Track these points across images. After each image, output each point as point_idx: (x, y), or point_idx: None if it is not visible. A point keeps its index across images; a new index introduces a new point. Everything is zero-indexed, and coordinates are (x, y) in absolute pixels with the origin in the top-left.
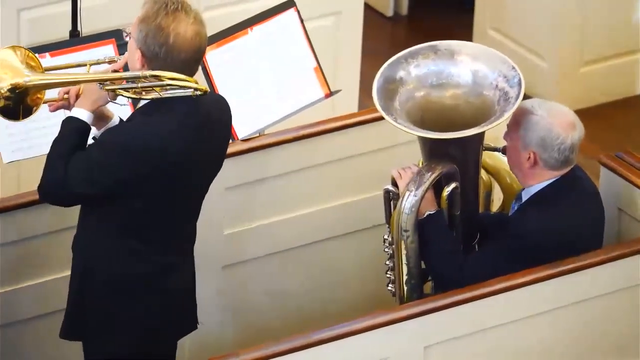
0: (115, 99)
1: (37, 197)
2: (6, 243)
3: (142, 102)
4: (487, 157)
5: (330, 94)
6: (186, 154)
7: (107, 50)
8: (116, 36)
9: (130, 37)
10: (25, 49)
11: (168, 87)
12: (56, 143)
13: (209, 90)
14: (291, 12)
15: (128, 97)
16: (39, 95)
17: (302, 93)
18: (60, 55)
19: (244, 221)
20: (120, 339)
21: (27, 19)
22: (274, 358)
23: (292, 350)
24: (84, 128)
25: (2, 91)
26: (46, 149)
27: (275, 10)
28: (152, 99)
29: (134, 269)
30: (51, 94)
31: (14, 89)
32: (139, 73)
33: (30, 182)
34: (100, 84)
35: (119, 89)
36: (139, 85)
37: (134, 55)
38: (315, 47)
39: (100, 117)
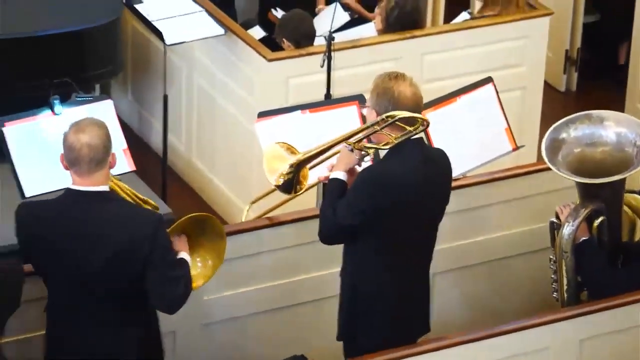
0: (363, 158)
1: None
2: (278, 249)
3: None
4: (632, 199)
5: (516, 148)
6: (418, 186)
7: (352, 109)
8: (359, 99)
9: (366, 108)
10: (283, 142)
11: (400, 131)
12: (325, 198)
13: (430, 121)
14: (489, 86)
15: (372, 148)
16: (302, 178)
17: (496, 146)
18: (316, 112)
19: (447, 240)
20: (378, 336)
21: (293, 84)
22: (467, 343)
23: (479, 339)
24: (342, 184)
25: (284, 172)
26: None
27: (477, 84)
28: (389, 148)
29: (389, 283)
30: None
31: (290, 168)
32: (377, 118)
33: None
34: (348, 147)
35: (363, 141)
36: (379, 128)
37: (370, 116)
38: (507, 112)
39: (352, 173)
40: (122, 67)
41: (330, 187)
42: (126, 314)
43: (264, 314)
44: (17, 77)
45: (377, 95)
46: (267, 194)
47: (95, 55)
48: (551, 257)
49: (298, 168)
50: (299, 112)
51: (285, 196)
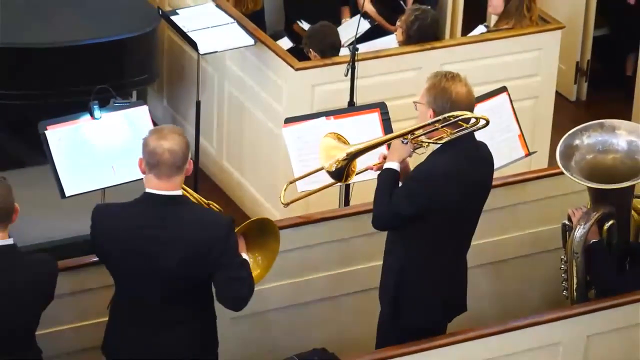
0: (415, 150)
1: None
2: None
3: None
4: (638, 203)
5: (528, 154)
6: (467, 182)
7: (374, 116)
8: (380, 106)
9: (419, 105)
10: (333, 133)
11: (455, 128)
12: (379, 188)
13: (489, 119)
14: (504, 95)
15: (427, 143)
16: (352, 168)
17: (509, 152)
18: (340, 118)
19: None
20: (421, 315)
21: (319, 91)
22: (484, 337)
23: (495, 333)
24: (396, 174)
25: (340, 159)
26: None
27: (492, 93)
28: (442, 143)
29: (434, 266)
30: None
31: (347, 156)
32: (439, 117)
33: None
34: (404, 140)
35: (420, 137)
36: (439, 126)
37: (425, 115)
38: (520, 120)
39: (405, 171)
40: (158, 74)
41: (385, 177)
42: (189, 312)
43: (288, 308)
44: (61, 84)
45: (435, 95)
46: (307, 175)
47: (133, 64)
48: (562, 257)
49: (353, 157)
50: (323, 118)
51: (316, 187)
